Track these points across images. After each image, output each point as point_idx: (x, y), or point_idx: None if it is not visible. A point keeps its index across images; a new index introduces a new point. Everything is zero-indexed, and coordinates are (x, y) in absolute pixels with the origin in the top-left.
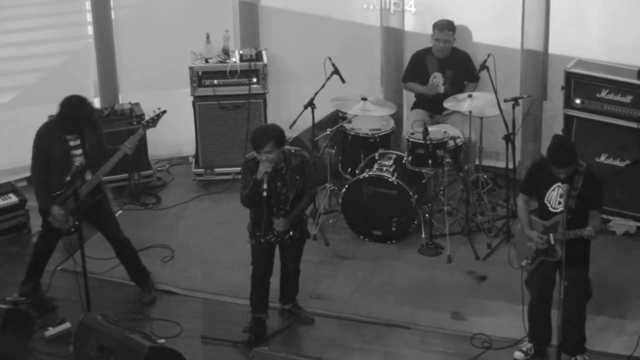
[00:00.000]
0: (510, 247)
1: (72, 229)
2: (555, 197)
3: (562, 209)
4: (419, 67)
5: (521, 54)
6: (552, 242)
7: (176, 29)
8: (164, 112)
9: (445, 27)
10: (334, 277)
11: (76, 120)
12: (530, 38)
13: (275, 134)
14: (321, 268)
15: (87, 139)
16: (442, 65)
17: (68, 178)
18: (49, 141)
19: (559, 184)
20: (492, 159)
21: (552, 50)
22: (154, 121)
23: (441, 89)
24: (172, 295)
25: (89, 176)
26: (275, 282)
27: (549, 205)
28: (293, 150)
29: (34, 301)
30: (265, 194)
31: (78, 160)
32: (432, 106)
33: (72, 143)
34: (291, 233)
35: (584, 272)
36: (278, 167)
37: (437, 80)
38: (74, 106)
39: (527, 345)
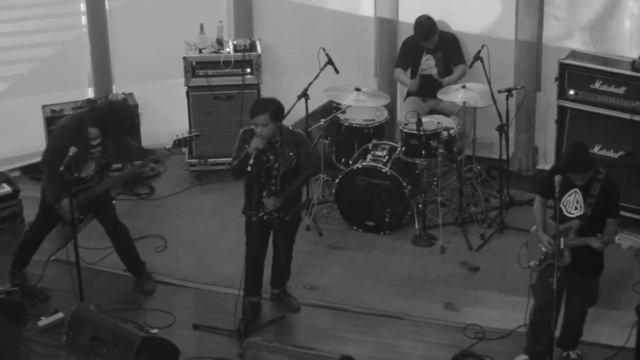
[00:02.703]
0: (523, 246)
1: (76, 220)
2: (572, 202)
3: (577, 214)
4: (410, 54)
5: (515, 45)
6: (562, 246)
7: (170, 19)
8: (198, 135)
9: (426, 37)
10: (327, 267)
11: (117, 129)
12: (525, 29)
13: (273, 107)
14: (314, 258)
15: (110, 144)
16: (432, 47)
17: (61, 167)
18: (73, 138)
19: (576, 189)
20: (486, 149)
21: (546, 41)
22: (185, 142)
23: (434, 71)
24: (165, 286)
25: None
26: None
27: (564, 209)
28: (291, 128)
29: (26, 291)
30: (249, 169)
31: (72, 151)
32: (425, 91)
33: (92, 142)
34: (281, 214)
35: (593, 279)
36: (273, 140)
37: (429, 62)
38: (120, 117)
39: (522, 357)
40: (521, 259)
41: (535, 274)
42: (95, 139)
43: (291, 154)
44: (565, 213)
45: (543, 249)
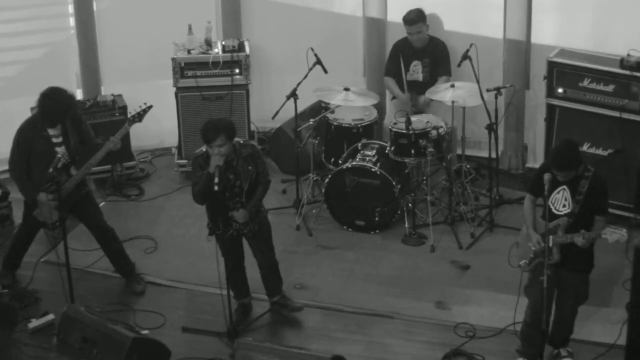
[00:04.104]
0: (513, 246)
1: (57, 223)
2: (560, 199)
3: (565, 211)
4: (398, 59)
5: (503, 43)
6: (551, 244)
7: (158, 20)
8: (150, 107)
9: (413, 21)
10: (318, 267)
11: (55, 111)
12: (513, 27)
13: (226, 127)
14: (304, 258)
15: (71, 136)
16: (420, 53)
17: (51, 170)
18: (31, 137)
19: (564, 186)
20: (475, 148)
21: (534, 39)
22: (139, 116)
23: (420, 77)
24: (155, 287)
25: (73, 171)
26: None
27: (552, 207)
28: (242, 142)
29: (16, 293)
30: (216, 188)
31: (60, 152)
32: (412, 96)
33: (55, 140)
34: (249, 226)
35: (583, 277)
36: (228, 159)
37: (417, 68)
38: (51, 98)
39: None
40: (511, 259)
41: (528, 275)
42: (57, 136)
43: (250, 167)
44: (553, 211)
45: (532, 247)
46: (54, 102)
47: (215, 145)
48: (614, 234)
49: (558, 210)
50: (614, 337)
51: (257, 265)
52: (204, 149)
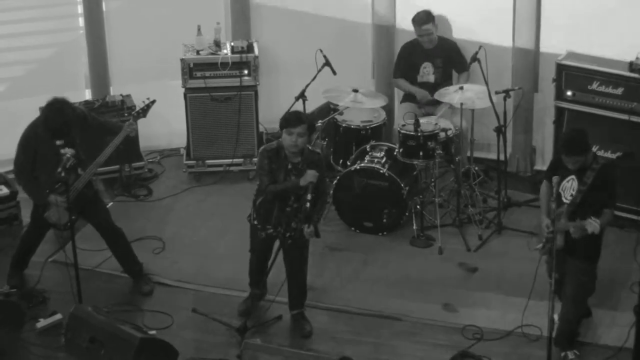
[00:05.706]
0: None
1: (68, 224)
2: (568, 188)
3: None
4: (408, 60)
5: (512, 51)
6: (551, 228)
7: (167, 20)
8: (153, 101)
9: (422, 22)
10: (325, 268)
11: (61, 125)
12: (522, 37)
13: (309, 120)
14: (312, 259)
15: (76, 136)
16: (430, 54)
17: (59, 169)
18: (35, 143)
19: (573, 176)
20: (484, 150)
21: (543, 49)
22: (144, 111)
23: (431, 78)
24: (163, 287)
25: (80, 171)
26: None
27: (562, 195)
28: (310, 147)
29: (24, 293)
30: (308, 205)
31: (69, 152)
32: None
33: (59, 142)
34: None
35: (585, 266)
36: (294, 160)
37: (428, 69)
38: (57, 111)
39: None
40: (529, 243)
41: (545, 257)
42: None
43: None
44: (563, 199)
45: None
46: (59, 115)
47: (295, 132)
48: (592, 224)
49: (566, 199)
50: (621, 340)
51: (286, 275)
52: (275, 144)
